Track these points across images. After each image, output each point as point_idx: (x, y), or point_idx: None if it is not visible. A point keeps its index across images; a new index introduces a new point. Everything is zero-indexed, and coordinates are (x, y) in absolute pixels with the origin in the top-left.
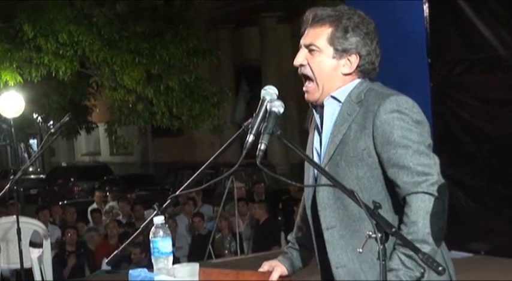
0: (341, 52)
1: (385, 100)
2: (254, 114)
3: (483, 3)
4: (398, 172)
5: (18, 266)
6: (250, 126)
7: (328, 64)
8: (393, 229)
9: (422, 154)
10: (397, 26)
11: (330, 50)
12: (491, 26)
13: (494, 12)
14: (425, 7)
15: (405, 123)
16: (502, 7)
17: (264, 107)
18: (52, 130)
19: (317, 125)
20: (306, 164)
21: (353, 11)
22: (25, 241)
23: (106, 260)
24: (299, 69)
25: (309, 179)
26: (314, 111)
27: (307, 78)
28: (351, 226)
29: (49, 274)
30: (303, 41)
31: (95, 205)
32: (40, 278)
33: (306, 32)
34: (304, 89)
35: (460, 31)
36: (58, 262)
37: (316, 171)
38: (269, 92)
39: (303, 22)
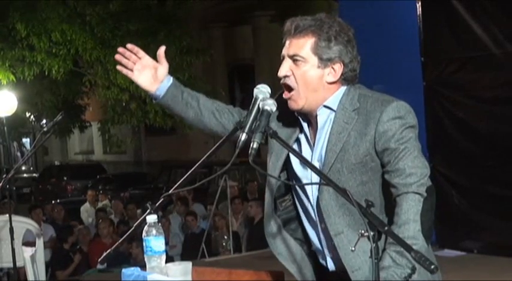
0: (325, 61)
1: (386, 107)
2: (247, 113)
3: (476, 2)
4: (394, 174)
5: (10, 265)
6: (242, 124)
7: (313, 74)
8: (386, 228)
9: (416, 158)
10: (390, 25)
11: (315, 60)
12: (484, 24)
13: (487, 11)
14: (418, 6)
15: (405, 128)
16: (495, 6)
17: (256, 106)
18: (45, 129)
19: (305, 133)
20: (272, 164)
21: (333, 19)
22: (18, 240)
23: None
24: (282, 80)
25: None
26: (301, 119)
27: (289, 88)
28: (359, 230)
29: (42, 273)
30: (286, 52)
31: (87, 204)
32: (33, 278)
33: (287, 42)
34: (285, 97)
35: (453, 30)
36: (58, 260)
37: (312, 175)
38: (262, 90)
39: (283, 32)
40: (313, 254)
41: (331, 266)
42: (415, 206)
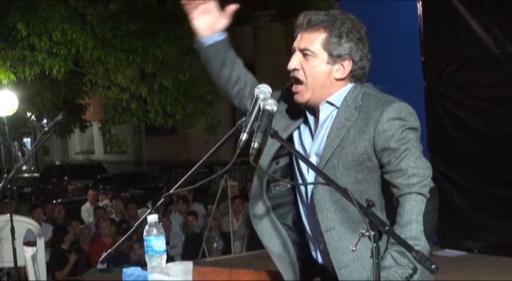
0: (335, 57)
1: (387, 107)
2: (248, 113)
3: (476, 2)
4: (395, 175)
5: (11, 265)
6: (243, 124)
7: (321, 69)
8: (386, 227)
9: (418, 158)
10: (391, 25)
11: (324, 55)
12: (484, 24)
13: (487, 10)
14: (419, 6)
15: (405, 130)
16: (495, 6)
17: (257, 106)
18: (46, 129)
19: (309, 125)
20: (267, 148)
21: (346, 16)
22: (19, 240)
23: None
24: (291, 72)
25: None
26: (307, 112)
27: (298, 81)
28: (351, 227)
29: (43, 272)
30: (296, 45)
31: (88, 204)
32: (34, 277)
33: (299, 35)
34: (293, 90)
35: (453, 30)
36: (57, 261)
37: (309, 171)
38: (263, 90)
39: (296, 25)
40: (298, 243)
41: (319, 259)
42: (418, 206)
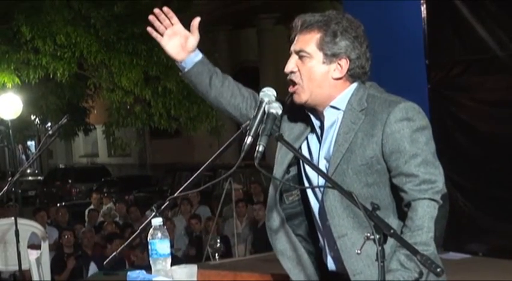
0: (331, 57)
1: (394, 108)
2: (252, 116)
3: (480, 4)
4: (406, 179)
5: (16, 268)
6: (248, 128)
7: (318, 70)
8: (391, 231)
9: (429, 163)
10: (395, 27)
11: (320, 56)
12: (488, 27)
13: (492, 13)
14: (423, 8)
15: (414, 131)
16: (499, 8)
17: (262, 109)
18: (50, 132)
19: (316, 131)
20: (280, 157)
21: (341, 16)
22: (23, 243)
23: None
24: (288, 75)
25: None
26: (312, 117)
27: (295, 84)
28: (363, 233)
29: (47, 275)
30: (293, 48)
31: (92, 207)
32: (38, 280)
33: (295, 38)
34: (290, 90)
35: (457, 32)
36: (56, 264)
37: (318, 178)
38: (267, 93)
39: (292, 29)
40: (313, 252)
41: (331, 265)
42: (430, 212)
